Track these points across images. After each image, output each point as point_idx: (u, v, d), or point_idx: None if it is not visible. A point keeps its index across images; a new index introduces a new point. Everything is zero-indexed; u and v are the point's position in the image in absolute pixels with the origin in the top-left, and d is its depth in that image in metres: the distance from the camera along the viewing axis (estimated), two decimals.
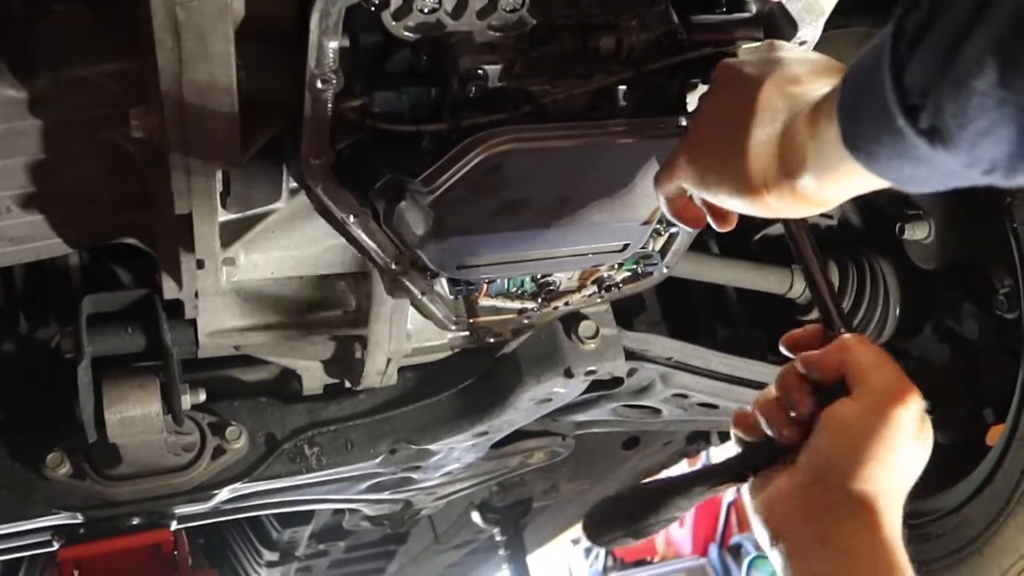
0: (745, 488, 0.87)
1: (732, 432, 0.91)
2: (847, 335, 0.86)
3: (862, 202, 1.82)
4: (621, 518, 0.93)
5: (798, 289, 1.82)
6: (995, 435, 1.69)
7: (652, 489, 0.94)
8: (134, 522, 1.61)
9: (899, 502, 0.81)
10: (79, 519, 1.58)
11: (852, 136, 0.69)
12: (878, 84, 0.62)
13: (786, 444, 0.85)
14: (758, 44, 0.98)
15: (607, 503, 0.95)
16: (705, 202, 0.94)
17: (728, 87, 0.90)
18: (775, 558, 0.81)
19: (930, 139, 0.60)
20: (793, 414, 0.84)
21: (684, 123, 1.09)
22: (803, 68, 0.85)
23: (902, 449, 0.80)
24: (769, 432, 0.86)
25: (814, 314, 1.81)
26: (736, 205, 0.87)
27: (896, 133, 0.62)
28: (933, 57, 0.58)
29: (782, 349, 0.91)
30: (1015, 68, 0.54)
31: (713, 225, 0.96)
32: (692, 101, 1.15)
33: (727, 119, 0.86)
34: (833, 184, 0.77)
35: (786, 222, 0.95)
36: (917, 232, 1.71)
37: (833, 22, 1.12)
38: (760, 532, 0.83)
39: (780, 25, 1.10)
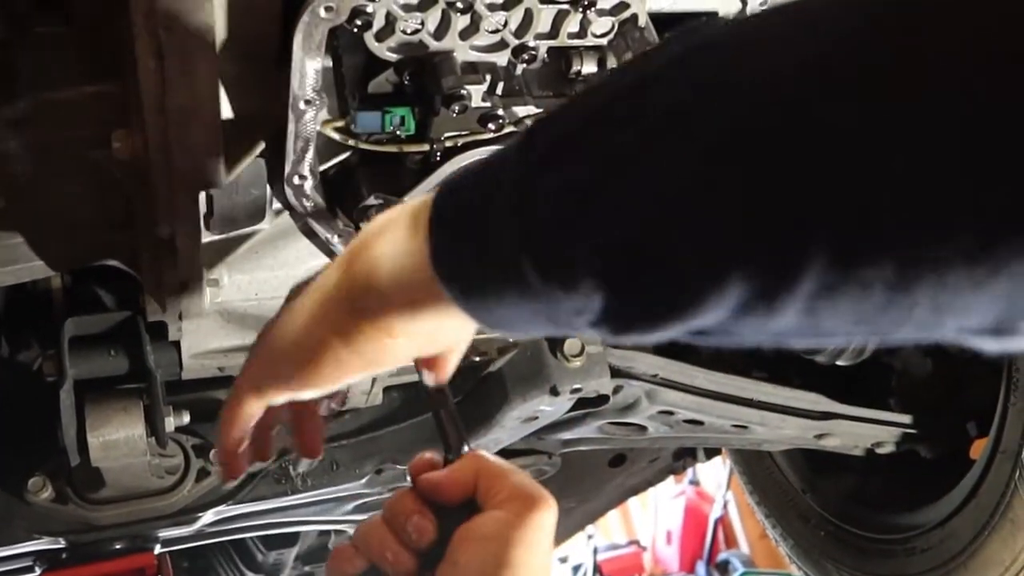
0: None
1: (329, 569, 0.78)
2: (472, 452, 0.78)
3: None
4: None
5: None
6: (979, 449, 1.70)
7: None
8: (117, 546, 1.59)
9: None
10: (62, 544, 1.56)
11: (446, 261, 0.57)
12: (489, 206, 0.52)
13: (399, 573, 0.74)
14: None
15: None
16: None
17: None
18: None
19: (545, 275, 0.51)
20: (413, 541, 0.73)
21: None
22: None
23: (545, 552, 0.72)
24: (378, 563, 0.75)
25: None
26: (296, 371, 0.71)
27: (508, 267, 0.52)
28: (564, 183, 0.50)
29: (408, 480, 0.79)
30: (638, 246, 0.47)
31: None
32: None
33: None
34: (409, 320, 0.63)
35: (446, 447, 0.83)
36: None
37: None
38: None
39: None
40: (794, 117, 0.42)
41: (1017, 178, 0.37)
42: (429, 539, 0.73)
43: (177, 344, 1.43)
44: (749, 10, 1.07)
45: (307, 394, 0.73)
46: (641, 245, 0.47)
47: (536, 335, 0.57)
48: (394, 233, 0.61)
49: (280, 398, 0.75)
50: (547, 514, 0.71)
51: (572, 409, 1.66)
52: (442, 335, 0.68)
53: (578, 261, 0.49)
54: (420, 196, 0.61)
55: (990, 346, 0.47)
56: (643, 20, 1.05)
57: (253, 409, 0.78)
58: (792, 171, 0.42)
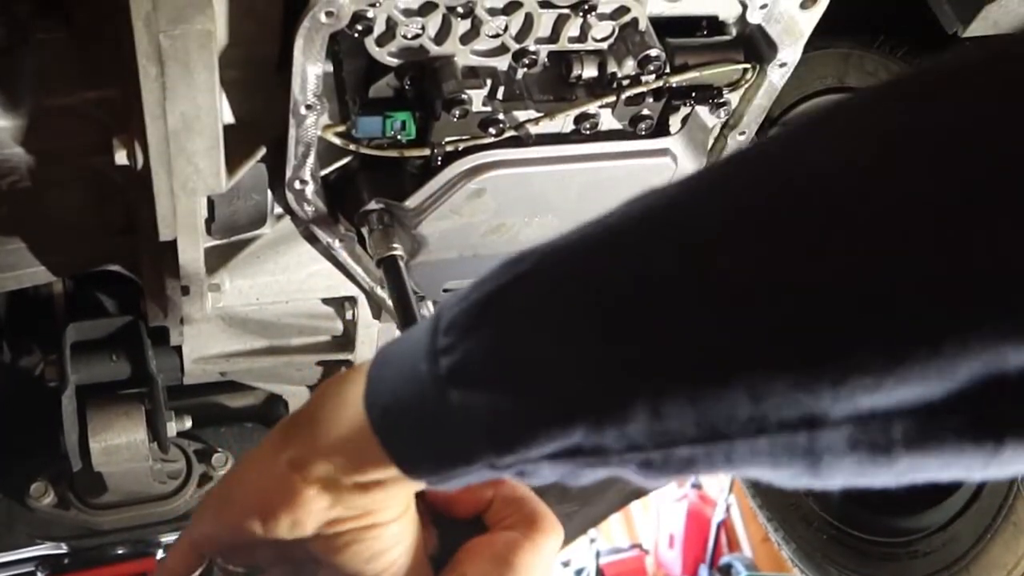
0: None
1: None
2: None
3: None
4: None
5: None
6: None
7: None
8: (119, 551, 1.59)
9: None
10: (63, 549, 1.56)
11: (372, 393, 0.59)
12: (412, 344, 0.56)
13: None
14: None
15: None
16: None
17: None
18: None
19: (447, 380, 0.54)
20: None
21: (667, 146, 1.10)
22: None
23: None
24: None
25: None
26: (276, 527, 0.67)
27: (417, 382, 0.55)
28: (466, 312, 0.54)
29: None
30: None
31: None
32: (675, 124, 1.16)
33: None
34: (351, 472, 0.61)
35: None
36: None
37: (813, 44, 1.13)
38: None
39: (760, 48, 1.11)
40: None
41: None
42: (429, 552, 0.72)
43: (179, 349, 1.43)
44: (749, 15, 1.07)
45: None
46: (510, 370, 0.52)
47: (455, 481, 0.59)
48: (338, 384, 0.63)
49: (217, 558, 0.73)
50: (552, 540, 0.72)
51: None
52: (383, 506, 0.65)
53: (471, 367, 0.53)
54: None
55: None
56: (643, 24, 1.05)
57: (186, 570, 0.73)
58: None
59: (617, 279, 0.50)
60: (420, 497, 0.72)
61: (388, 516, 0.65)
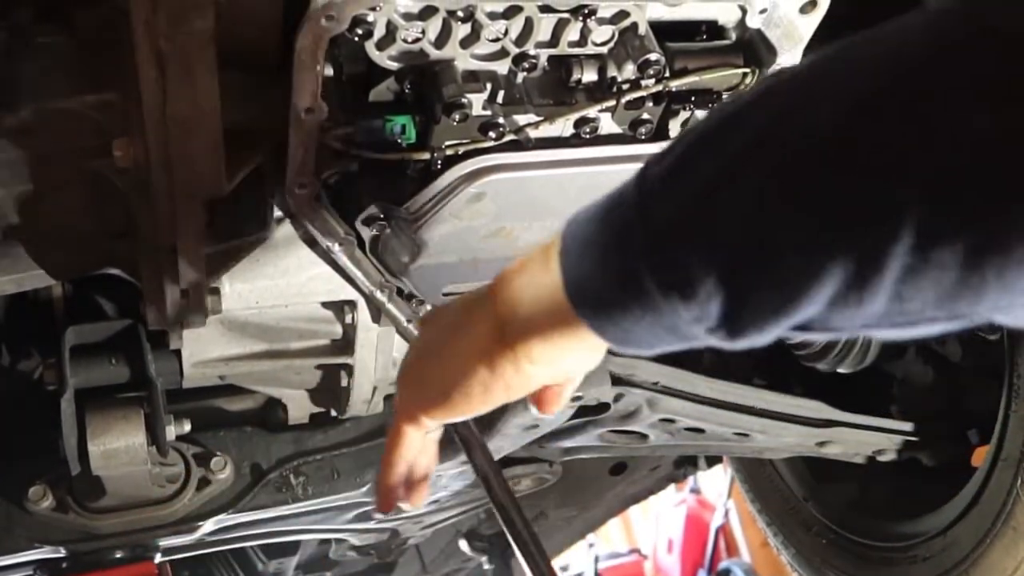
0: None
1: None
2: None
3: None
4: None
5: None
6: (980, 456, 1.70)
7: None
8: (118, 555, 1.59)
9: None
10: (62, 553, 1.56)
11: (579, 288, 0.63)
12: (612, 231, 0.59)
13: None
14: None
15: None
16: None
17: (421, 334, 0.85)
18: None
19: (665, 287, 0.56)
20: None
21: None
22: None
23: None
24: None
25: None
26: (448, 397, 0.77)
27: (634, 285, 0.58)
28: (676, 206, 0.56)
29: None
30: (746, 254, 0.54)
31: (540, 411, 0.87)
32: (675, 128, 1.16)
33: (424, 346, 0.82)
34: (549, 348, 0.69)
35: (487, 481, 0.91)
36: None
37: (812, 48, 1.13)
38: None
39: (760, 52, 1.11)
40: (866, 124, 0.50)
41: None
42: None
43: (178, 353, 1.43)
44: (748, 20, 1.07)
45: (457, 418, 0.81)
46: (747, 250, 0.53)
47: (663, 350, 0.63)
48: (531, 268, 0.69)
49: (435, 423, 0.82)
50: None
51: (573, 417, 1.66)
52: (575, 360, 0.73)
53: (693, 270, 0.55)
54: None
55: None
56: (643, 28, 1.05)
57: (413, 439, 0.83)
58: (870, 170, 0.49)
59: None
60: None
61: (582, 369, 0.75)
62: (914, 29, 0.52)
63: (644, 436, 1.82)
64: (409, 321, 1.36)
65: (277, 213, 1.23)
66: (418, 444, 0.84)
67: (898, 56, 0.51)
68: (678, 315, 0.57)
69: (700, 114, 1.17)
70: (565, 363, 0.72)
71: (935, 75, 0.49)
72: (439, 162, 1.05)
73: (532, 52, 1.03)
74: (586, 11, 1.01)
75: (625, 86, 1.07)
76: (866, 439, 1.83)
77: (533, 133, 1.06)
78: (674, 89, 1.09)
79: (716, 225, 0.54)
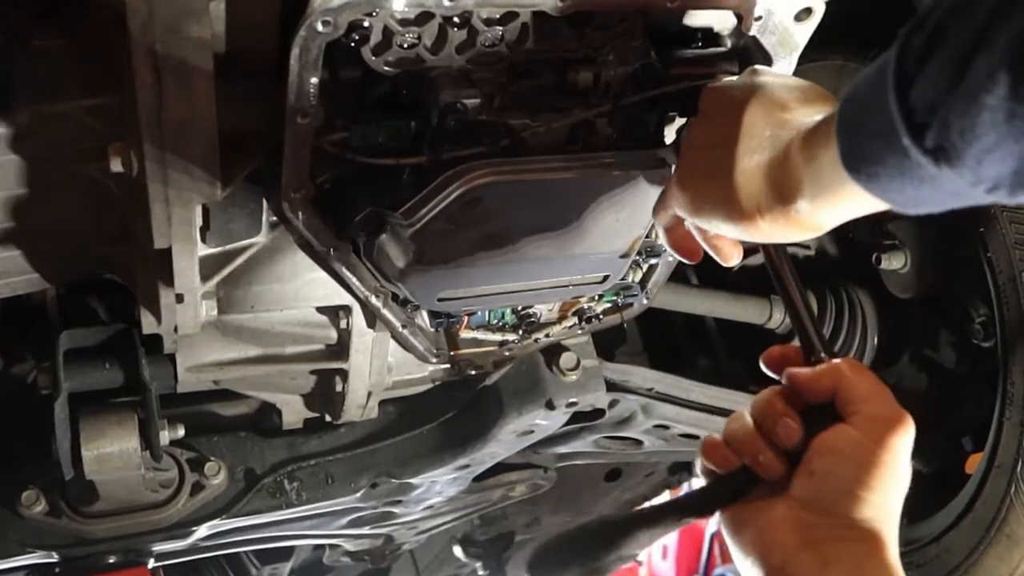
0: (720, 520, 0.85)
1: (700, 463, 0.89)
2: (841, 359, 0.85)
3: (838, 233, 1.84)
4: (576, 556, 0.85)
5: (777, 319, 1.84)
6: (974, 463, 1.70)
7: (613, 523, 0.89)
8: (111, 560, 1.58)
9: (897, 526, 0.81)
10: (55, 558, 1.56)
11: (852, 157, 0.68)
12: (881, 103, 0.62)
13: (767, 474, 0.82)
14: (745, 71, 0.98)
15: (559, 540, 0.88)
16: (704, 236, 0.94)
17: (714, 112, 0.90)
18: None
19: (935, 158, 0.60)
20: (781, 442, 0.82)
21: (662, 156, 1.10)
22: (789, 94, 0.85)
23: (900, 476, 0.79)
24: (746, 461, 0.84)
25: (795, 343, 1.81)
26: (730, 231, 0.87)
27: (900, 152, 0.61)
28: (941, 73, 0.58)
29: (763, 366, 0.89)
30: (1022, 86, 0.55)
31: (716, 259, 0.95)
32: (669, 134, 1.16)
33: (715, 145, 0.87)
34: (830, 208, 0.76)
35: (766, 249, 0.94)
36: (893, 262, 1.73)
37: (807, 56, 1.14)
38: (749, 564, 0.81)
39: (755, 59, 1.11)
40: None
41: None
42: (796, 442, 0.80)
43: (172, 357, 1.43)
44: (744, 26, 1.07)
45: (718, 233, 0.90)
46: (1013, 102, 0.55)
47: (947, 208, 0.67)
48: (808, 142, 0.75)
49: (698, 223, 0.91)
50: (906, 439, 0.79)
51: (568, 423, 1.66)
52: (859, 214, 0.76)
53: (961, 148, 0.58)
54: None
55: None
56: (639, 35, 1.05)
57: (672, 218, 0.96)
58: None
59: None
60: (780, 391, 0.83)
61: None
62: None
63: (639, 442, 1.82)
64: (404, 326, 1.36)
65: (272, 218, 1.23)
66: (676, 221, 0.96)
67: None
68: (957, 181, 0.60)
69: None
70: (854, 215, 0.76)
71: None
72: (434, 167, 1.05)
73: (528, 57, 1.03)
74: (582, 17, 1.01)
75: (621, 92, 1.07)
76: None
77: (528, 138, 1.07)
78: (670, 95, 1.09)
79: (974, 90, 0.56)
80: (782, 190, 0.79)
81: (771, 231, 0.82)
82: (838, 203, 0.74)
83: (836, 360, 0.85)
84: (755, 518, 0.82)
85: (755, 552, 0.81)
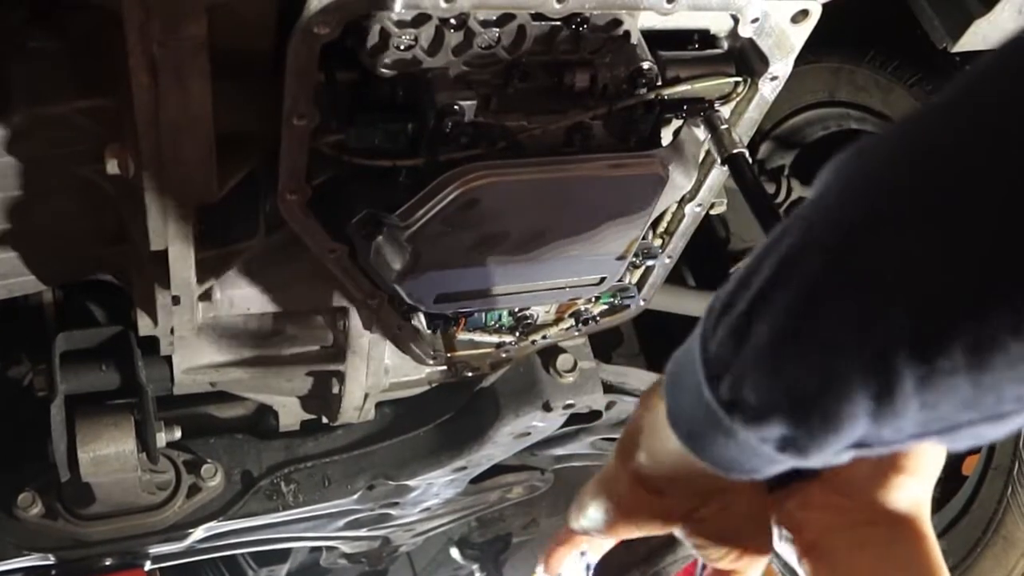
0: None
1: None
2: None
3: None
4: (638, 561, 0.92)
5: None
6: (971, 465, 1.70)
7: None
8: (107, 563, 1.58)
9: (929, 509, 0.83)
10: (51, 560, 1.55)
11: (672, 413, 0.69)
12: (691, 356, 0.64)
13: None
14: None
15: (619, 551, 0.94)
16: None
17: None
18: (805, 569, 0.81)
19: (729, 410, 0.61)
20: None
21: (658, 158, 1.11)
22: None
23: (932, 458, 0.82)
24: None
25: None
26: (600, 519, 0.85)
27: (704, 406, 0.62)
28: (730, 330, 0.60)
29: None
30: (781, 360, 0.57)
31: None
32: (666, 136, 1.17)
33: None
34: (668, 469, 0.76)
35: None
36: None
37: (803, 58, 1.14)
38: (787, 545, 0.83)
39: (751, 61, 1.12)
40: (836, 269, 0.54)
41: None
42: None
43: (169, 359, 1.43)
44: (740, 29, 1.08)
45: (609, 541, 0.89)
46: (780, 378, 0.58)
47: (765, 474, 0.67)
48: (650, 400, 0.76)
49: (595, 536, 0.89)
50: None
51: (565, 425, 1.66)
52: (696, 482, 0.77)
53: (745, 396, 0.60)
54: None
55: None
56: (635, 37, 1.05)
57: (573, 544, 0.93)
58: (860, 293, 0.53)
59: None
60: None
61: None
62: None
63: None
64: (401, 328, 1.36)
65: (269, 220, 1.23)
66: (577, 548, 0.93)
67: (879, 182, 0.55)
68: (748, 438, 0.61)
69: (692, 122, 1.17)
70: (695, 492, 0.78)
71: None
72: (431, 169, 1.05)
73: (525, 60, 1.03)
74: (578, 19, 1.01)
75: (617, 94, 1.07)
76: None
77: (525, 140, 1.07)
78: (666, 97, 1.09)
79: (755, 355, 0.59)
80: (624, 448, 0.80)
81: (627, 509, 0.82)
82: (671, 464, 0.75)
83: None
84: (790, 497, 0.83)
85: (789, 527, 0.83)
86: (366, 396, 1.56)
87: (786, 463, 0.62)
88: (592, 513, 0.85)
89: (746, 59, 1.11)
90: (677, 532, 0.83)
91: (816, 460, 0.60)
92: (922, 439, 0.57)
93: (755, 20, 1.07)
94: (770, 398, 0.58)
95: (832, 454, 0.60)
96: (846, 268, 0.54)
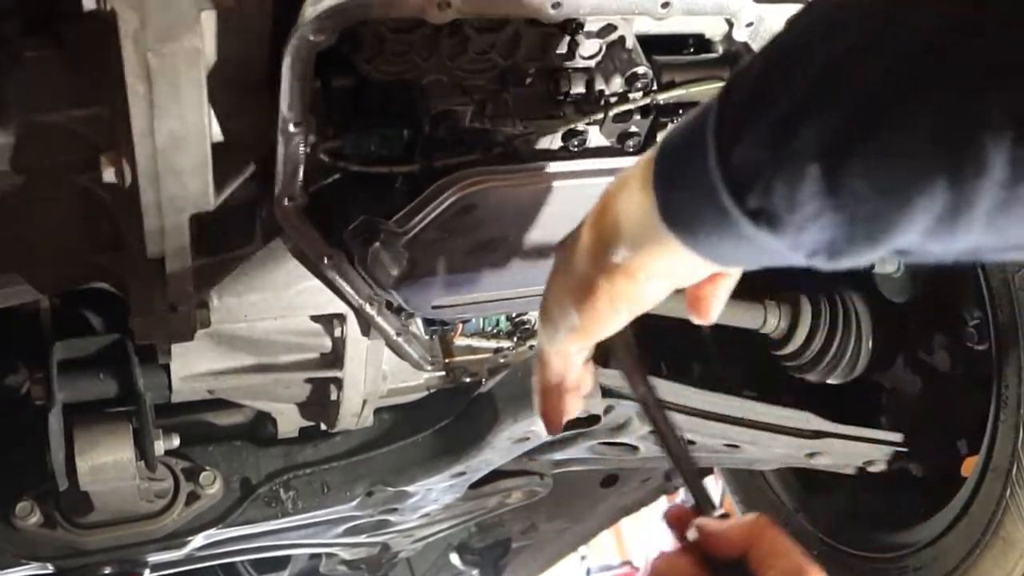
0: None
1: None
2: (756, 515, 0.79)
3: None
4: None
5: (772, 324, 1.84)
6: (970, 466, 1.70)
7: None
8: (106, 571, 1.58)
9: None
10: (49, 569, 1.55)
11: (669, 210, 0.65)
12: (700, 159, 0.60)
13: None
14: None
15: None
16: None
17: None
18: None
19: (756, 220, 0.58)
20: None
21: None
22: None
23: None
24: None
25: (789, 347, 1.82)
26: (572, 319, 0.81)
27: (720, 211, 0.59)
28: (766, 136, 0.56)
29: (664, 526, 0.83)
30: (848, 159, 0.54)
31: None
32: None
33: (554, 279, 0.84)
34: (651, 262, 0.71)
35: (646, 407, 0.91)
36: (887, 266, 1.73)
37: None
38: None
39: None
40: (958, 40, 0.49)
41: None
42: None
43: (166, 367, 1.43)
44: (735, 33, 1.08)
45: (594, 339, 0.83)
46: (838, 173, 0.53)
47: (765, 266, 0.66)
48: (627, 191, 0.71)
49: (575, 347, 0.84)
50: None
51: (564, 430, 1.66)
52: (682, 273, 0.74)
53: (782, 214, 0.56)
54: (646, 154, 0.70)
55: None
56: (630, 42, 1.06)
57: (558, 363, 0.87)
58: (966, 93, 0.49)
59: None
60: (692, 547, 0.77)
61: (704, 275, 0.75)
62: None
63: (635, 448, 1.82)
64: (398, 334, 1.36)
65: (266, 227, 1.23)
66: (563, 367, 0.87)
67: None
68: (776, 244, 0.58)
69: None
70: (673, 276, 0.73)
71: None
72: (427, 175, 1.05)
73: (520, 65, 1.04)
74: (573, 25, 1.01)
75: (613, 99, 1.07)
76: (856, 450, 1.83)
77: (521, 146, 1.07)
78: (661, 102, 1.09)
79: (806, 143, 0.54)
80: (603, 238, 0.75)
81: (613, 293, 0.76)
82: (657, 255, 0.70)
83: (753, 516, 0.79)
84: None
85: None
86: (364, 402, 1.56)
87: (805, 263, 0.60)
88: (572, 321, 0.80)
89: (741, 63, 1.11)
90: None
91: (843, 265, 0.58)
92: (968, 257, 0.55)
93: (750, 24, 1.07)
94: (815, 210, 0.55)
95: (861, 262, 0.58)
96: (925, 70, 0.50)
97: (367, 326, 1.37)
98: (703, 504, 0.82)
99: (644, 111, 1.10)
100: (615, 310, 0.78)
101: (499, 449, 1.65)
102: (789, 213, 0.56)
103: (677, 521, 0.80)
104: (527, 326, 1.46)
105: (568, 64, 1.06)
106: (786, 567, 0.73)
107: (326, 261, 1.17)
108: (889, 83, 0.52)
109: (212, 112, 0.95)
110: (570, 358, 0.87)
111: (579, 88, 1.07)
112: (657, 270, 0.72)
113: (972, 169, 0.49)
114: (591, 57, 1.06)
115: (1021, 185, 0.48)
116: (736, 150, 0.57)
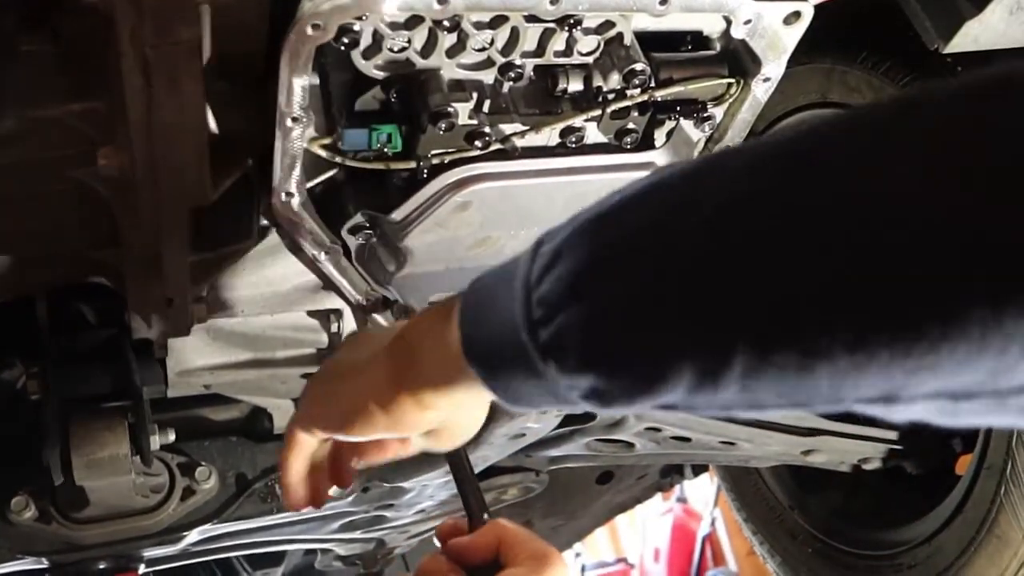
0: None
1: None
2: (493, 520, 0.89)
3: None
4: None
5: None
6: (964, 464, 1.71)
7: None
8: (101, 566, 1.58)
9: None
10: (45, 564, 1.55)
11: (472, 340, 0.69)
12: (507, 294, 0.64)
13: None
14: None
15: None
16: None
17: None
18: None
19: (544, 355, 0.62)
20: None
21: (652, 159, 1.11)
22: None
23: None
24: None
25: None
26: (347, 420, 0.83)
27: (514, 345, 0.64)
28: (562, 282, 0.62)
29: (435, 541, 0.92)
30: (604, 321, 0.59)
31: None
32: (660, 138, 1.17)
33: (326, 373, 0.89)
34: (446, 393, 0.75)
35: None
36: None
37: (796, 59, 1.14)
38: None
39: (744, 63, 1.12)
40: (717, 241, 0.56)
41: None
42: None
43: (163, 362, 1.43)
44: (733, 30, 1.08)
45: (349, 440, 0.87)
46: (611, 341, 0.60)
47: (546, 409, 0.77)
48: (433, 323, 0.75)
49: (324, 437, 0.89)
50: (564, 569, 0.82)
51: (559, 426, 1.66)
52: (466, 409, 0.80)
53: (568, 349, 0.61)
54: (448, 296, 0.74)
55: (880, 413, 0.57)
56: (628, 39, 1.06)
57: (307, 445, 0.90)
58: (717, 285, 0.55)
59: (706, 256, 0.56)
60: (442, 554, 0.87)
61: (470, 419, 0.83)
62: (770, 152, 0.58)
63: (630, 445, 1.82)
64: None
65: (262, 221, 1.23)
66: (311, 449, 0.91)
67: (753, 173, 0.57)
68: (557, 384, 0.63)
69: (686, 124, 1.17)
70: (454, 412, 0.79)
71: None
72: (425, 171, 1.05)
73: (518, 62, 1.04)
74: (572, 21, 1.01)
75: (611, 96, 1.07)
76: (851, 447, 1.83)
77: (519, 142, 1.07)
78: (659, 99, 1.09)
79: (589, 313, 0.60)
80: (407, 359, 0.78)
81: (390, 412, 0.79)
82: (452, 388, 0.74)
83: (494, 520, 0.89)
84: None
85: None
86: None
87: (583, 408, 0.64)
88: (339, 417, 0.83)
89: (739, 60, 1.12)
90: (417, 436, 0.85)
91: (616, 412, 0.62)
92: (727, 413, 0.60)
93: (748, 21, 1.07)
94: (595, 355, 0.60)
95: (635, 410, 0.62)
96: (699, 251, 0.56)
97: (363, 321, 1.37)
98: (472, 515, 0.92)
99: (642, 108, 1.10)
100: (373, 430, 0.81)
101: (495, 445, 1.65)
102: (574, 358, 0.61)
103: (446, 534, 0.90)
104: None
105: (566, 61, 1.06)
106: (531, 550, 0.82)
107: (323, 256, 1.17)
108: (646, 266, 0.58)
109: (210, 106, 0.95)
110: (311, 447, 0.90)
111: (577, 85, 1.07)
112: (442, 404, 0.77)
113: (724, 346, 0.55)
114: (589, 54, 1.06)
115: (771, 358, 0.53)
116: (537, 290, 0.63)
